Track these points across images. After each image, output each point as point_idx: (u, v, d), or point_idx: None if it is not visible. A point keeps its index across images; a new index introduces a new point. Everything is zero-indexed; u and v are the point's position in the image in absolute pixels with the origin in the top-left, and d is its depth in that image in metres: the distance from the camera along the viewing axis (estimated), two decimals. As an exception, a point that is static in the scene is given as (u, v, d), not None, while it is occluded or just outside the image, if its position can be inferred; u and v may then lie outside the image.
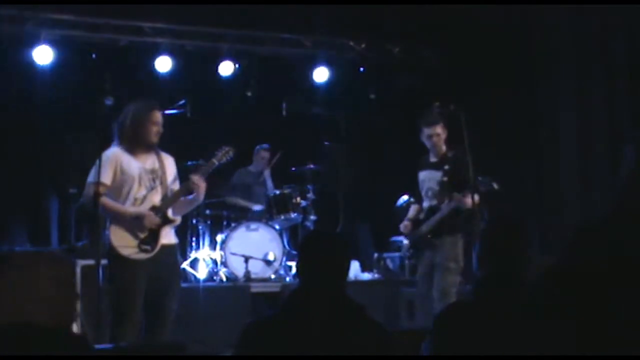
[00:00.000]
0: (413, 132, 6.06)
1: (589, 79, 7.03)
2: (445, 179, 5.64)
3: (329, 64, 8.68)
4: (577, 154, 7.09)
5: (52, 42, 7.58)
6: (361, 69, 9.01)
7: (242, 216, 7.95)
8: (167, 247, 4.90)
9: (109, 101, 4.90)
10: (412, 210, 5.98)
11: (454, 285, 5.63)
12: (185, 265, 7.67)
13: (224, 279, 7.56)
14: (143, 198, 4.85)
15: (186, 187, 4.90)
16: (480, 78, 7.82)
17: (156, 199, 4.88)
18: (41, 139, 7.84)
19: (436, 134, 5.71)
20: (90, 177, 4.83)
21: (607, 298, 1.93)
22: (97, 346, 4.40)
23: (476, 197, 5.34)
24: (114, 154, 4.85)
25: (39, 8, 7.52)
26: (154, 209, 4.85)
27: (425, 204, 5.82)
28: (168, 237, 4.93)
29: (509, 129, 7.74)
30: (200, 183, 4.87)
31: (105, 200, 4.77)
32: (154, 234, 4.83)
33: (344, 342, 2.63)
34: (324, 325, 2.65)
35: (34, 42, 7.53)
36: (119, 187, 4.82)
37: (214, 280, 7.58)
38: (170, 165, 5.03)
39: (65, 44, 7.73)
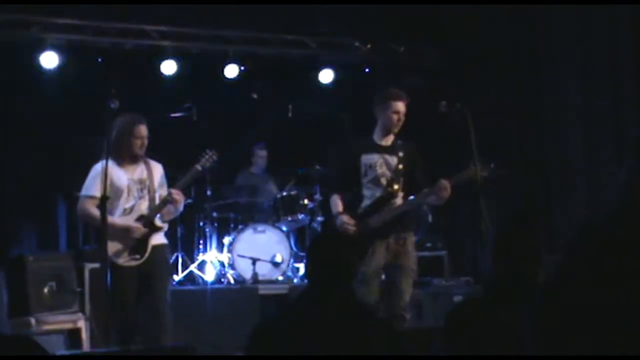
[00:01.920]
0: (420, 133, 6.03)
1: (594, 78, 7.01)
2: (400, 166, 4.99)
3: (334, 65, 8.68)
4: (584, 153, 7.07)
5: (58, 47, 7.60)
6: (366, 69, 9.01)
7: (249, 218, 7.95)
8: (156, 247, 5.15)
9: (114, 104, 4.92)
10: (337, 200, 5.09)
11: (410, 291, 5.04)
12: (192, 267, 7.69)
13: (232, 281, 7.57)
14: (131, 208, 5.11)
15: (165, 199, 5.12)
16: (485, 78, 7.81)
17: (144, 207, 5.14)
18: (48, 143, 7.86)
19: (403, 113, 5.08)
20: (83, 191, 5.15)
21: (614, 296, 1.93)
22: (106, 349, 4.43)
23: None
24: (103, 167, 4.96)
25: (44, 13, 7.54)
26: (141, 218, 5.11)
27: (369, 192, 5.04)
28: (157, 239, 5.18)
29: (514, 128, 7.73)
30: (177, 197, 5.08)
31: (95, 212, 4.96)
32: (143, 242, 5.10)
33: (354, 342, 2.63)
34: (334, 325, 2.65)
35: (39, 47, 7.55)
36: (109, 199, 4.97)
37: (222, 283, 7.58)
38: (157, 173, 5.27)
39: (70, 49, 7.74)
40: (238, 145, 8.40)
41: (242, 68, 8.38)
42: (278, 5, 7.79)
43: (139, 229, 5.08)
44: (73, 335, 5.96)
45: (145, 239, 5.11)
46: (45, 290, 5.96)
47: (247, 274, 7.44)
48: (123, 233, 5.05)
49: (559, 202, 7.33)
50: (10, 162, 7.69)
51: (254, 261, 7.43)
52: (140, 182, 5.16)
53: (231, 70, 8.33)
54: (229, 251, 7.56)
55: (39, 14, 7.54)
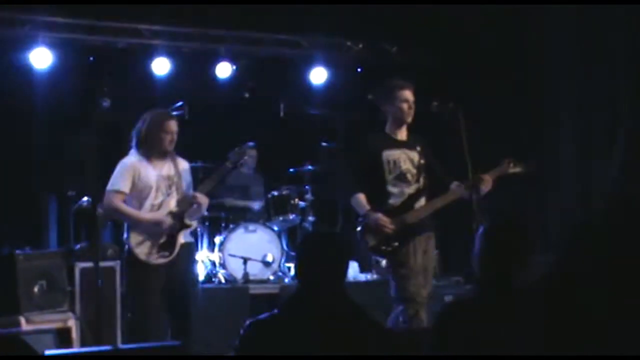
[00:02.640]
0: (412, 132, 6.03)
1: (589, 78, 7.02)
2: (422, 161, 4.92)
3: (326, 64, 8.67)
4: (577, 153, 7.09)
5: (50, 45, 7.57)
6: (359, 69, 9.01)
7: (241, 217, 7.93)
8: (183, 246, 5.11)
9: (106, 103, 4.94)
10: (362, 200, 4.93)
11: (429, 291, 5.07)
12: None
13: (223, 281, 7.55)
14: (160, 204, 5.05)
15: (189, 201, 5.10)
16: (477, 78, 7.82)
17: (172, 204, 5.08)
18: (40, 141, 7.83)
19: (411, 100, 4.97)
20: (109, 185, 5.05)
21: (605, 297, 1.94)
22: (96, 348, 4.41)
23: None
24: (132, 162, 5.06)
25: (36, 11, 7.51)
26: (171, 214, 5.06)
27: (396, 189, 4.97)
28: (184, 237, 5.15)
29: (506, 128, 7.74)
30: (201, 200, 5.09)
31: (123, 207, 5.00)
32: (172, 239, 5.05)
33: (345, 342, 2.63)
34: (324, 325, 2.65)
35: (31, 44, 7.52)
36: (138, 195, 5.03)
37: (213, 282, 7.57)
38: (185, 170, 5.23)
39: (62, 47, 7.71)
40: (229, 144, 8.38)
41: (234, 67, 8.37)
42: (271, 4, 7.78)
43: (169, 221, 5.02)
44: (63, 335, 5.93)
45: (174, 235, 5.06)
46: (36, 289, 5.93)
47: (238, 274, 7.43)
48: (152, 228, 5.00)
49: (551, 202, 7.34)
50: (1, 160, 7.66)
51: (245, 260, 7.42)
52: (169, 178, 5.11)
53: (223, 69, 8.32)
54: (220, 250, 7.55)
55: (31, 12, 7.51)
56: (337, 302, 2.71)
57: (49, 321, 5.89)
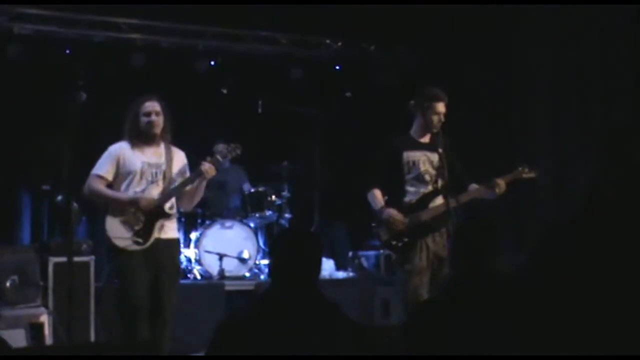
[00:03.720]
0: (389, 132, 6.04)
1: (565, 81, 7.07)
2: (442, 163, 4.93)
3: (305, 62, 8.67)
4: (553, 154, 7.13)
5: (25, 37, 7.50)
6: (337, 67, 9.02)
7: (217, 213, 7.91)
8: (163, 241, 4.93)
9: (82, 97, 4.86)
10: (378, 195, 5.11)
11: None
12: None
13: (198, 277, 7.53)
14: (142, 192, 4.90)
15: (195, 174, 4.95)
16: (456, 77, 7.84)
17: (155, 193, 4.92)
18: (14, 134, 7.75)
19: (443, 113, 5.09)
20: (94, 169, 4.96)
21: (577, 295, 1.95)
22: (70, 343, 4.38)
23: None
24: (117, 148, 4.96)
25: (12, 1, 7.43)
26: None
27: (413, 189, 5.08)
28: (165, 231, 4.95)
29: (484, 129, 7.78)
30: (209, 169, 4.91)
31: (101, 188, 4.90)
32: (148, 227, 4.87)
33: (319, 340, 2.63)
34: (298, 323, 2.64)
35: (6, 36, 7.44)
36: (120, 181, 4.92)
37: (188, 278, 7.54)
38: (179, 160, 5.08)
39: (38, 39, 7.65)
40: (207, 140, 8.36)
41: (213, 63, 8.34)
42: (250, 3, 7.77)
43: (146, 206, 4.82)
44: (35, 330, 5.89)
45: (151, 222, 4.87)
46: (8, 283, 5.88)
47: (214, 270, 7.41)
48: (128, 211, 4.84)
49: (525, 201, 7.38)
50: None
51: (221, 257, 7.41)
52: (156, 166, 4.95)
53: (201, 65, 8.29)
54: (196, 246, 7.53)
55: (7, 2, 7.43)
56: (310, 299, 2.71)
57: (21, 316, 5.84)
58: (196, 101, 8.57)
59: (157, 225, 4.90)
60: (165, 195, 4.93)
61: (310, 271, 2.76)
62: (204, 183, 5.05)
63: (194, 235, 7.68)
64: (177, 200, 5.06)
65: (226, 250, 7.47)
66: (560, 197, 6.97)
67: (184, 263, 7.69)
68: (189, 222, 7.94)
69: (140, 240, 4.86)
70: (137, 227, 4.87)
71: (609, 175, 2.08)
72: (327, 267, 7.74)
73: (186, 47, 8.31)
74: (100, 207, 5.12)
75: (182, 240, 7.78)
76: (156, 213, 4.89)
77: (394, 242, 5.03)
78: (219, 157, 5.05)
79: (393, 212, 4.98)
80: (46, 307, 6.04)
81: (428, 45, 8.25)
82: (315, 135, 8.50)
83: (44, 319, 5.95)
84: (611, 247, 1.97)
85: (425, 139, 5.14)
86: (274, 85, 8.73)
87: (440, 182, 5.02)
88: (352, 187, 8.71)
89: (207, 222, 7.70)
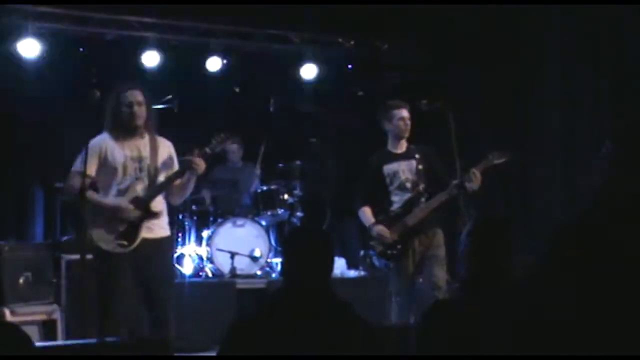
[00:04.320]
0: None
1: (575, 77, 7.04)
2: (421, 167, 5.42)
3: (316, 60, 8.66)
4: (563, 155, 7.11)
5: (39, 35, 7.52)
6: (349, 66, 9.01)
7: (229, 211, 7.92)
8: (152, 241, 4.71)
9: (96, 95, 4.80)
10: (367, 213, 5.59)
11: (445, 278, 5.54)
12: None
13: (210, 275, 7.55)
14: (126, 189, 4.68)
15: (184, 166, 4.73)
16: (468, 76, 7.83)
17: (140, 189, 4.70)
18: (27, 132, 7.79)
19: (408, 117, 5.47)
20: (75, 166, 4.70)
21: (589, 295, 1.94)
22: (82, 341, 4.39)
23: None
24: (99, 142, 4.70)
25: (26, 1, 7.46)
26: (135, 200, 4.67)
27: (397, 197, 5.49)
28: (153, 230, 4.74)
29: (495, 128, 7.76)
30: (198, 162, 4.69)
31: (79, 187, 4.60)
32: (134, 228, 4.64)
33: (330, 339, 2.63)
34: (310, 322, 2.64)
35: (19, 35, 7.47)
36: (105, 178, 4.67)
37: (200, 276, 7.56)
38: (164, 151, 4.83)
39: (52, 37, 7.67)
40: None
41: (225, 61, 8.35)
42: (262, 1, 7.77)
43: (129, 209, 4.62)
44: (48, 327, 5.92)
45: (136, 224, 4.64)
46: (21, 280, 5.91)
47: (226, 268, 7.42)
48: (112, 215, 4.61)
49: (537, 201, 7.37)
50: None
51: (233, 255, 7.42)
52: (140, 160, 4.70)
53: (213, 64, 8.30)
54: (208, 245, 7.54)
55: (19, 1, 7.45)
56: (322, 298, 2.71)
57: (34, 313, 5.88)
58: (208, 100, 8.58)
59: (143, 226, 4.68)
60: (150, 193, 4.69)
61: (323, 270, 2.76)
62: (194, 177, 4.81)
63: (205, 234, 7.69)
64: (167, 194, 4.83)
65: (238, 248, 7.47)
66: (571, 197, 6.95)
67: (196, 261, 7.71)
68: (201, 220, 7.96)
69: (124, 242, 4.62)
70: (121, 229, 4.64)
71: (619, 175, 2.07)
72: (339, 265, 7.74)
73: (198, 45, 8.31)
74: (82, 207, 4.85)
75: (194, 239, 7.84)
76: (142, 215, 4.67)
77: (389, 252, 5.50)
78: (207, 149, 4.81)
79: (379, 229, 5.46)
80: (59, 304, 6.08)
81: (441, 44, 8.22)
82: (326, 134, 8.50)
83: (57, 316, 5.99)
84: (621, 247, 1.97)
85: (401, 149, 5.54)
86: (286, 84, 8.73)
87: (421, 186, 5.45)
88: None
89: (219, 220, 7.71)
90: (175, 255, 7.73)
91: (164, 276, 4.77)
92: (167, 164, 4.83)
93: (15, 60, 7.53)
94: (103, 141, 4.70)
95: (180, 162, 4.82)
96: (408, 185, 5.46)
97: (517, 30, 7.56)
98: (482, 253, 2.76)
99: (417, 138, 5.64)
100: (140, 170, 4.71)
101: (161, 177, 4.76)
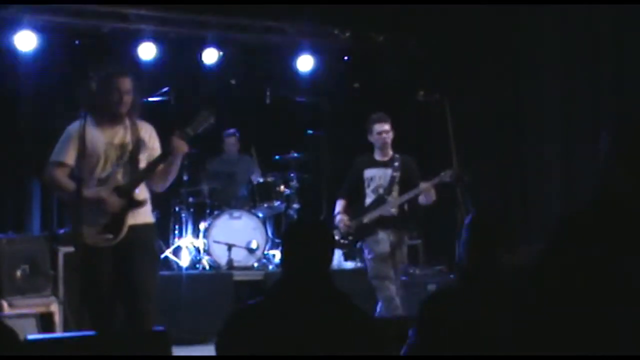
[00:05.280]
0: (397, 122, 6.08)
1: (574, 71, 7.05)
2: (396, 174, 5.92)
3: (313, 52, 8.66)
4: (561, 145, 7.12)
5: (35, 28, 7.51)
6: (345, 57, 9.00)
7: (226, 203, 7.93)
8: (137, 227, 4.51)
9: (93, 87, 4.72)
10: (339, 204, 6.14)
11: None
12: (168, 252, 7.66)
13: (207, 267, 7.56)
14: (107, 177, 4.48)
15: (166, 151, 4.54)
16: (465, 68, 7.84)
17: (121, 177, 4.50)
18: (23, 124, 7.78)
19: (386, 131, 5.93)
20: (52, 156, 4.54)
21: (590, 287, 1.95)
22: (80, 333, 4.39)
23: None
24: (77, 129, 4.40)
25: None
26: (117, 189, 4.47)
27: (369, 199, 5.98)
28: (137, 216, 4.54)
29: (492, 119, 7.77)
30: (180, 145, 4.47)
31: (64, 181, 4.47)
32: (119, 219, 4.45)
33: (329, 330, 2.64)
34: (309, 313, 2.65)
35: (16, 27, 7.45)
36: (82, 164, 4.36)
37: (197, 268, 7.57)
38: (145, 135, 4.63)
39: (48, 30, 7.65)
40: (214, 130, 8.37)
41: (221, 53, 8.34)
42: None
43: (113, 202, 4.41)
44: (45, 319, 5.93)
45: (121, 215, 4.43)
46: (18, 273, 5.92)
47: (222, 260, 7.43)
48: (94, 207, 4.38)
49: (535, 193, 7.38)
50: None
51: (230, 247, 7.43)
52: (122, 147, 4.50)
53: (210, 55, 8.29)
54: (205, 237, 7.55)
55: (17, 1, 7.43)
56: (321, 289, 2.72)
57: (31, 305, 5.88)
58: (204, 91, 8.57)
59: (128, 216, 4.47)
60: (133, 181, 4.49)
61: (322, 262, 2.77)
62: (178, 160, 4.58)
63: (202, 226, 7.70)
64: (149, 181, 4.62)
65: (235, 240, 7.48)
66: (569, 189, 6.97)
67: (193, 253, 7.72)
68: (197, 213, 7.97)
69: (110, 236, 4.43)
70: (104, 221, 4.44)
71: (618, 169, 2.08)
72: (335, 257, 7.75)
73: (194, 37, 8.30)
74: (63, 198, 4.72)
75: (191, 231, 7.84)
76: (125, 204, 4.47)
77: (342, 241, 6.05)
78: (189, 130, 4.54)
79: (342, 218, 6.03)
80: (56, 296, 6.08)
81: (437, 35, 8.22)
82: (323, 126, 8.51)
83: (54, 308, 5.99)
84: (620, 241, 1.98)
85: (384, 157, 6.02)
86: (282, 76, 8.73)
87: (393, 192, 5.92)
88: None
89: (216, 212, 7.72)
90: (173, 247, 7.76)
91: (146, 266, 4.54)
92: (150, 148, 4.64)
93: (12, 53, 7.51)
94: (82, 127, 4.36)
95: (163, 146, 4.64)
96: (380, 190, 5.95)
97: (516, 22, 7.56)
98: (480, 244, 2.77)
99: (414, 129, 5.67)
100: (122, 157, 4.52)
101: (143, 163, 4.58)
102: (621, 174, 2.06)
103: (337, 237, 6.00)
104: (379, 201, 5.94)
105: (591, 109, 6.81)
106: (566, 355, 1.97)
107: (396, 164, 5.96)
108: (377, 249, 5.90)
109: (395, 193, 5.93)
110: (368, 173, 6.04)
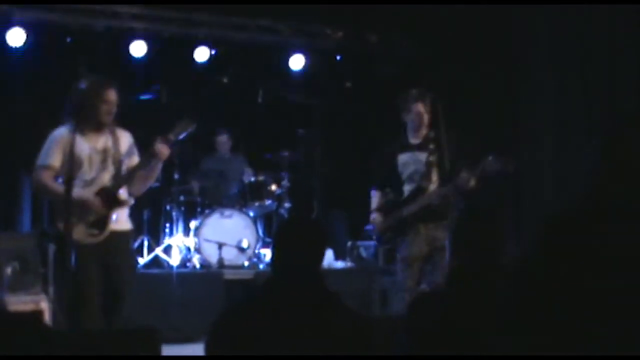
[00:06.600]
0: (389, 121, 6.07)
1: (567, 71, 7.07)
2: (431, 158, 5.32)
3: (305, 51, 8.66)
4: (554, 146, 7.14)
5: (26, 24, 7.48)
6: (338, 57, 9.01)
7: (217, 202, 7.93)
8: (118, 234, 4.74)
9: (83, 85, 4.77)
10: (376, 199, 5.62)
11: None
12: (158, 251, 7.66)
13: (197, 266, 7.55)
14: (92, 180, 4.69)
15: (148, 155, 4.71)
16: (457, 68, 7.84)
17: (106, 179, 4.72)
18: (14, 122, 7.75)
19: (423, 111, 5.39)
20: (39, 160, 4.72)
21: (578, 289, 1.96)
22: (69, 330, 4.38)
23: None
24: (62, 134, 4.67)
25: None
26: (102, 190, 4.68)
27: (408, 188, 5.42)
28: (120, 222, 4.77)
29: (486, 119, 7.78)
30: (162, 149, 4.67)
31: (51, 184, 4.68)
32: (103, 218, 4.67)
33: (320, 329, 2.64)
34: (299, 312, 2.65)
35: (7, 24, 7.43)
36: (68, 170, 4.56)
37: (187, 267, 7.56)
38: (125, 142, 4.85)
39: (39, 27, 7.63)
40: (206, 129, 8.37)
41: (213, 52, 8.34)
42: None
43: (97, 204, 4.63)
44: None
45: (105, 214, 4.67)
46: (8, 270, 5.89)
47: (213, 259, 7.43)
48: (80, 207, 4.58)
49: (527, 192, 7.40)
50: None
51: (220, 246, 7.42)
52: (104, 152, 4.72)
53: (201, 54, 8.29)
54: (195, 235, 7.54)
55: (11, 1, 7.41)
56: (312, 289, 2.72)
57: (21, 303, 5.86)
58: (196, 90, 8.57)
59: (113, 216, 4.70)
60: (117, 182, 4.72)
61: (312, 261, 2.77)
62: (159, 165, 4.80)
63: (193, 224, 7.69)
64: (129, 185, 4.81)
65: (225, 239, 7.48)
66: (561, 188, 6.99)
67: (184, 252, 7.71)
68: (188, 211, 7.96)
69: (95, 232, 4.65)
70: (90, 218, 4.65)
71: (609, 169, 2.09)
72: (326, 257, 7.73)
73: (186, 36, 8.29)
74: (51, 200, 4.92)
75: (182, 229, 7.84)
76: (109, 204, 4.68)
77: (383, 238, 5.58)
78: (171, 136, 4.73)
79: (374, 217, 5.55)
80: (46, 294, 6.06)
81: (429, 35, 8.23)
82: (315, 125, 8.51)
83: (44, 305, 5.97)
84: (611, 240, 1.98)
85: (418, 139, 5.44)
86: (275, 75, 8.73)
87: (433, 178, 5.34)
88: (351, 177, 8.77)
89: (207, 211, 7.71)
90: (163, 246, 7.75)
91: (126, 269, 4.78)
92: (130, 153, 4.86)
93: (3, 51, 7.49)
94: (67, 134, 4.63)
95: (145, 151, 4.79)
96: (416, 177, 5.37)
97: (509, 22, 7.57)
98: (471, 244, 2.77)
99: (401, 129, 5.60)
100: (105, 161, 4.73)
101: (124, 167, 4.79)
102: (611, 174, 2.07)
103: (376, 235, 5.64)
104: (419, 190, 5.36)
105: (584, 110, 6.83)
106: (556, 356, 1.98)
107: (431, 146, 5.32)
108: (411, 250, 5.29)
109: (434, 178, 5.33)
110: (401, 159, 5.45)
